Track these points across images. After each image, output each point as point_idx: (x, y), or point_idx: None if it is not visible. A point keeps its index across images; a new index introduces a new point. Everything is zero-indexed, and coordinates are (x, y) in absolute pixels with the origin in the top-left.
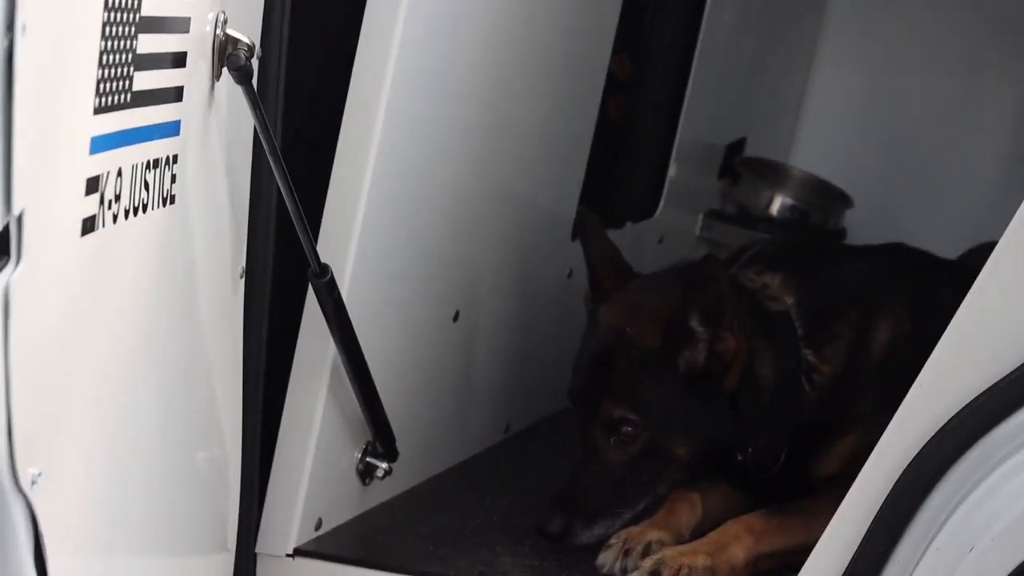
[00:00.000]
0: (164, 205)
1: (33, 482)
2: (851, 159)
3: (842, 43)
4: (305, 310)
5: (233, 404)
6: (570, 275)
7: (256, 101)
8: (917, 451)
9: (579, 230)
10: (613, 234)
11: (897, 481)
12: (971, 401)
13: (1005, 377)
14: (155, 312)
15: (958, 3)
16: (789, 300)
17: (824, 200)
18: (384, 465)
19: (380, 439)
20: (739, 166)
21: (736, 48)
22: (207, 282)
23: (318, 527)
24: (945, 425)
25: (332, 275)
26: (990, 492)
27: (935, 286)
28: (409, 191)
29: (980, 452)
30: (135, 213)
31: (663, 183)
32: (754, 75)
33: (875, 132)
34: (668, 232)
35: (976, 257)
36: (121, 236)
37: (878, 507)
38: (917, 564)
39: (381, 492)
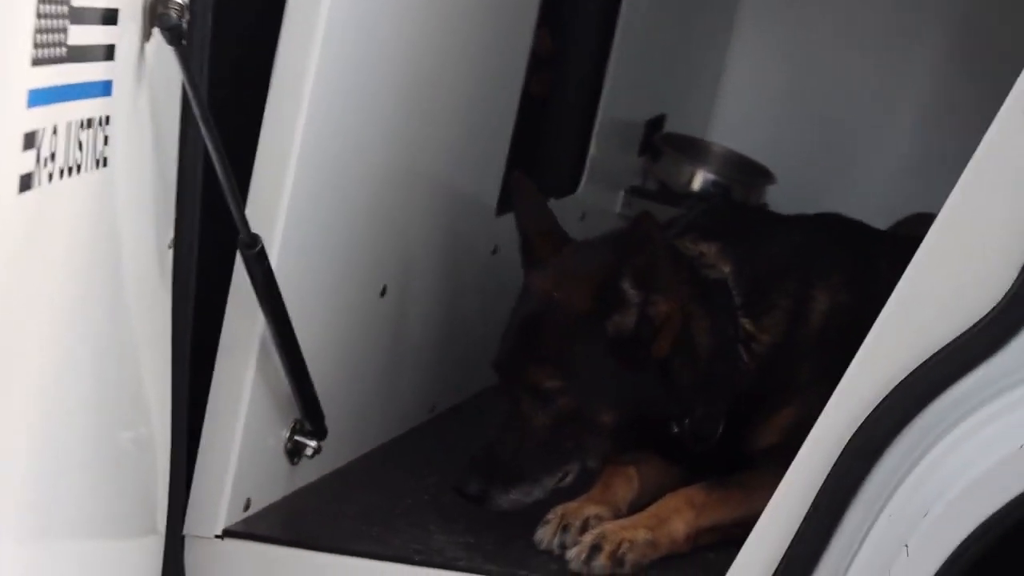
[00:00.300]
0: (97, 167)
1: None
2: (769, 135)
3: (759, 19)
4: (233, 283)
5: (161, 381)
6: (495, 251)
7: (187, 62)
8: (864, 417)
9: (513, 195)
10: None
11: (844, 448)
12: (919, 366)
13: (952, 341)
14: (88, 279)
15: None
16: (726, 269)
17: (746, 176)
18: (313, 444)
19: (309, 417)
20: (660, 142)
21: (656, 23)
22: (136, 252)
23: (247, 507)
24: (893, 390)
25: (263, 245)
26: (943, 456)
27: (871, 256)
28: (336, 164)
29: (930, 417)
30: (69, 173)
31: (584, 160)
32: (673, 51)
33: (793, 108)
34: (590, 210)
35: (907, 227)
36: (56, 196)
37: (825, 475)
38: (868, 531)
39: (309, 472)
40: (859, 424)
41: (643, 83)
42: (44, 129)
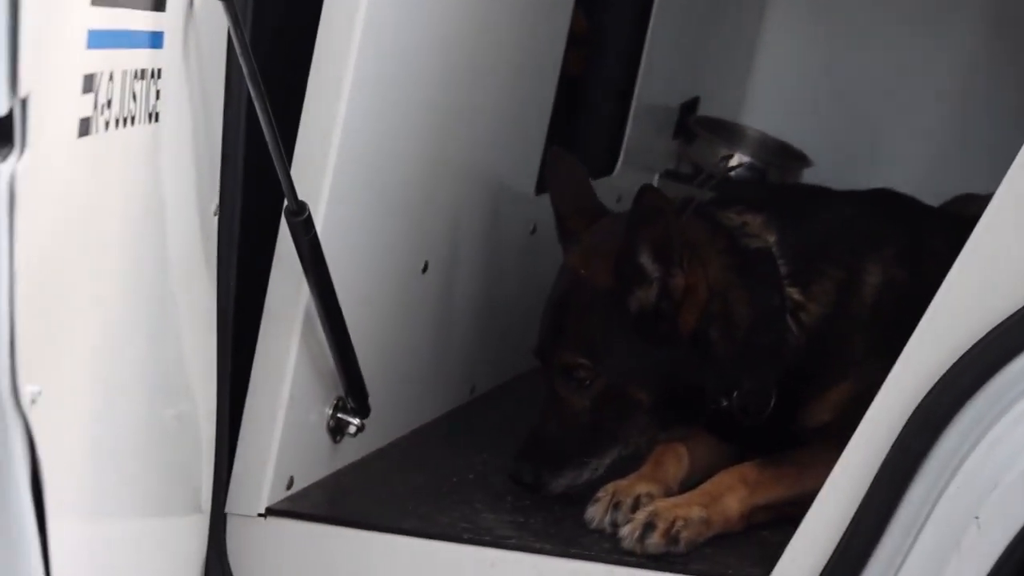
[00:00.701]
0: (150, 121)
1: (33, 401)
2: (802, 118)
3: (791, 7)
4: (276, 252)
5: (205, 354)
6: (534, 231)
7: (237, 19)
8: (928, 389)
9: (548, 170)
10: None
11: (907, 421)
12: (984, 336)
13: (1018, 311)
14: (137, 241)
15: None
16: (771, 238)
17: (782, 159)
18: (356, 422)
19: (353, 394)
20: (694, 125)
21: (691, 4)
22: (182, 216)
23: (289, 486)
24: (958, 361)
25: (309, 213)
26: (1012, 426)
27: (924, 232)
28: (378, 137)
29: (997, 386)
30: (124, 124)
31: (621, 141)
32: (707, 33)
33: (826, 91)
34: (626, 192)
35: (955, 208)
36: (112, 145)
37: (887, 449)
38: (934, 505)
39: (351, 451)
40: (922, 396)
41: (678, 65)
42: (102, 74)
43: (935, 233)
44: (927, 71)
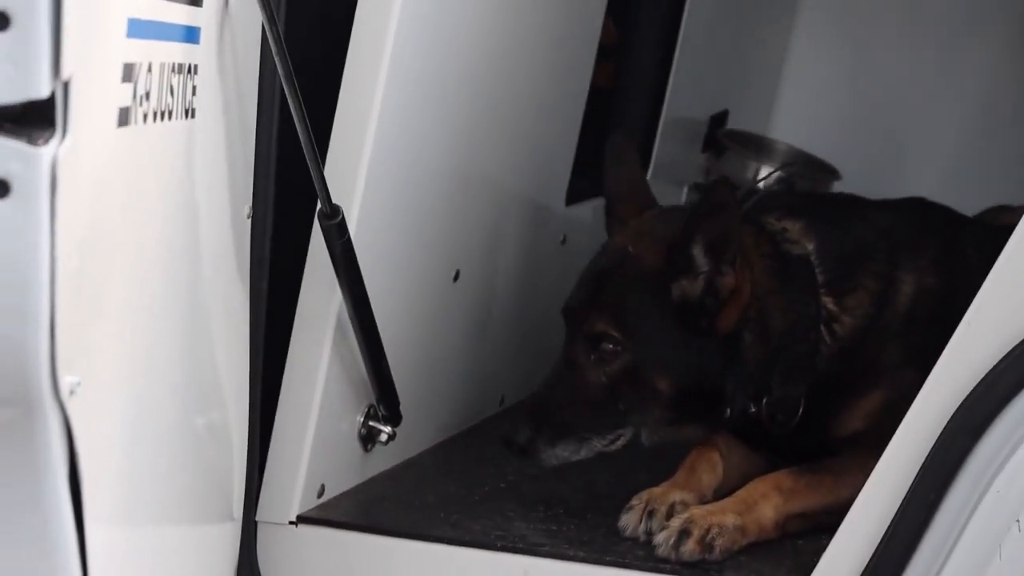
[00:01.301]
0: (186, 117)
1: (72, 392)
2: (830, 131)
3: (820, 15)
4: (309, 256)
5: (238, 361)
6: (564, 241)
7: (272, 16)
8: (967, 392)
9: (606, 158)
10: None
11: (947, 425)
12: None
13: None
14: (172, 241)
15: None
16: (810, 246)
17: (811, 172)
18: (387, 430)
19: (384, 401)
20: (723, 138)
21: (720, 17)
22: (216, 218)
23: (320, 494)
24: (998, 364)
25: (343, 216)
26: None
27: (959, 241)
28: (410, 143)
29: None
30: (162, 118)
31: (650, 154)
32: (736, 46)
33: (854, 104)
34: None
35: (992, 216)
36: (150, 139)
37: (926, 453)
38: (974, 508)
39: (382, 460)
40: (962, 399)
41: (707, 77)
42: (140, 64)
43: (969, 242)
44: (953, 84)
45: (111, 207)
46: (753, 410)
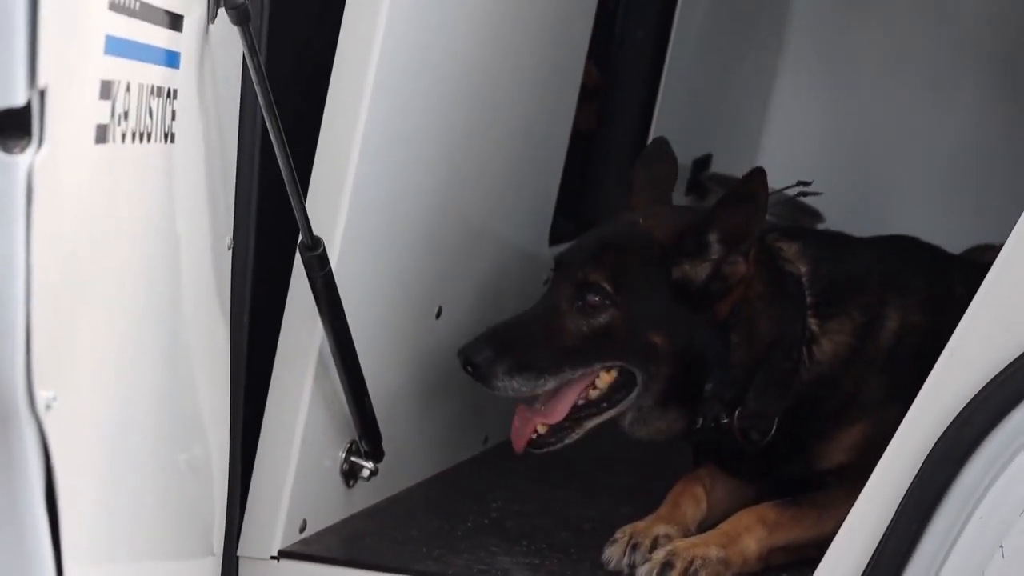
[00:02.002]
0: (165, 141)
1: (47, 407)
2: (812, 174)
3: (804, 60)
4: (290, 289)
5: (218, 394)
6: (547, 281)
7: (253, 46)
8: (950, 421)
9: (646, 151)
10: None
11: (930, 453)
12: (1007, 366)
13: None
14: (153, 263)
15: (915, 21)
16: (803, 268)
17: (793, 214)
18: (369, 465)
19: (366, 436)
20: (707, 181)
21: (703, 60)
22: (197, 248)
23: (302, 529)
24: (980, 391)
25: (324, 248)
26: None
27: (947, 280)
28: (393, 180)
29: (1019, 418)
30: (141, 139)
31: None
32: (720, 89)
33: (836, 148)
34: None
35: (977, 255)
36: (129, 159)
37: (909, 482)
38: (958, 535)
39: (364, 496)
40: (944, 428)
41: (691, 120)
42: (119, 82)
43: (956, 280)
44: (936, 125)
45: (89, 225)
46: (725, 420)
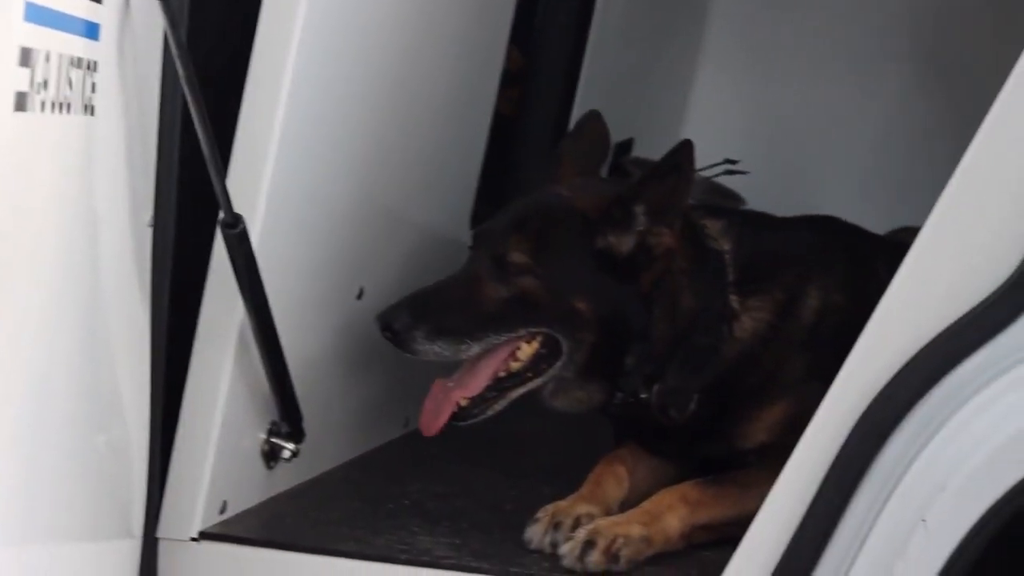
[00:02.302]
0: (85, 113)
1: None
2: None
3: (726, 45)
4: (211, 267)
5: (138, 375)
6: None
7: (174, 19)
8: (873, 397)
9: (580, 122)
10: None
11: (852, 430)
12: (928, 343)
13: (962, 317)
14: (72, 240)
15: (837, 10)
16: (726, 246)
17: (716, 198)
18: (290, 446)
19: (287, 417)
20: (628, 165)
21: (625, 44)
22: (117, 225)
23: (223, 510)
24: (903, 368)
25: (245, 226)
26: (959, 430)
27: (869, 260)
28: (315, 156)
29: (944, 391)
30: (60, 110)
31: None
32: (641, 74)
33: (758, 133)
34: None
35: (900, 237)
36: (48, 129)
37: (831, 458)
38: (880, 510)
39: (285, 478)
40: (868, 404)
41: (612, 105)
42: (38, 51)
43: (879, 260)
44: (856, 117)
45: (5, 197)
46: (644, 395)
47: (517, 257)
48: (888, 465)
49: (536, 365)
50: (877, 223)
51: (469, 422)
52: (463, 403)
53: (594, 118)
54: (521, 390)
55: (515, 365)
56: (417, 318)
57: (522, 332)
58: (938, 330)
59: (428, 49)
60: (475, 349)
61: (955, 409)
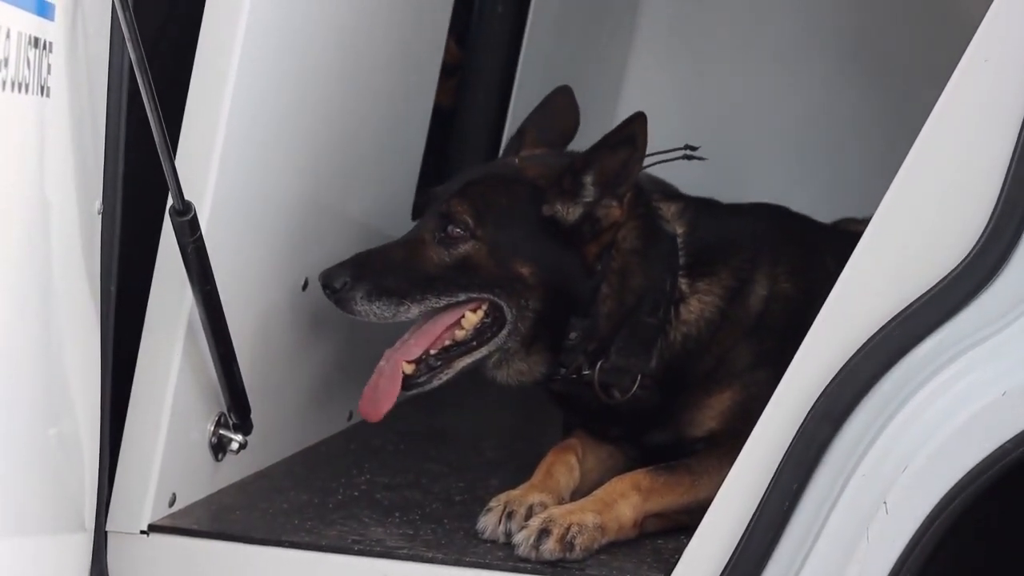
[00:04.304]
0: (41, 95)
1: None
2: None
3: (657, 31)
4: (159, 255)
5: (89, 368)
6: None
7: (124, 1)
8: (828, 381)
9: (549, 96)
10: None
11: (809, 413)
12: (886, 324)
13: (920, 296)
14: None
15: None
16: (680, 229)
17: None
18: (238, 438)
19: (235, 408)
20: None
21: (561, 35)
22: (66, 213)
23: (172, 503)
24: (859, 349)
25: (195, 213)
26: (920, 410)
27: (817, 250)
28: (261, 146)
29: (901, 373)
30: (18, 89)
31: None
32: (577, 64)
33: (691, 122)
34: None
35: (844, 227)
36: (7, 107)
37: (788, 441)
38: (839, 494)
39: (233, 471)
40: (824, 387)
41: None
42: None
43: (826, 250)
44: (790, 97)
45: None
46: (587, 372)
47: (459, 220)
48: (846, 447)
49: (481, 334)
50: (806, 209)
51: (415, 391)
52: (408, 371)
53: (563, 93)
54: (467, 360)
55: (460, 334)
56: (358, 278)
57: (462, 296)
58: (893, 312)
59: (370, 42)
60: (414, 311)
61: (913, 391)
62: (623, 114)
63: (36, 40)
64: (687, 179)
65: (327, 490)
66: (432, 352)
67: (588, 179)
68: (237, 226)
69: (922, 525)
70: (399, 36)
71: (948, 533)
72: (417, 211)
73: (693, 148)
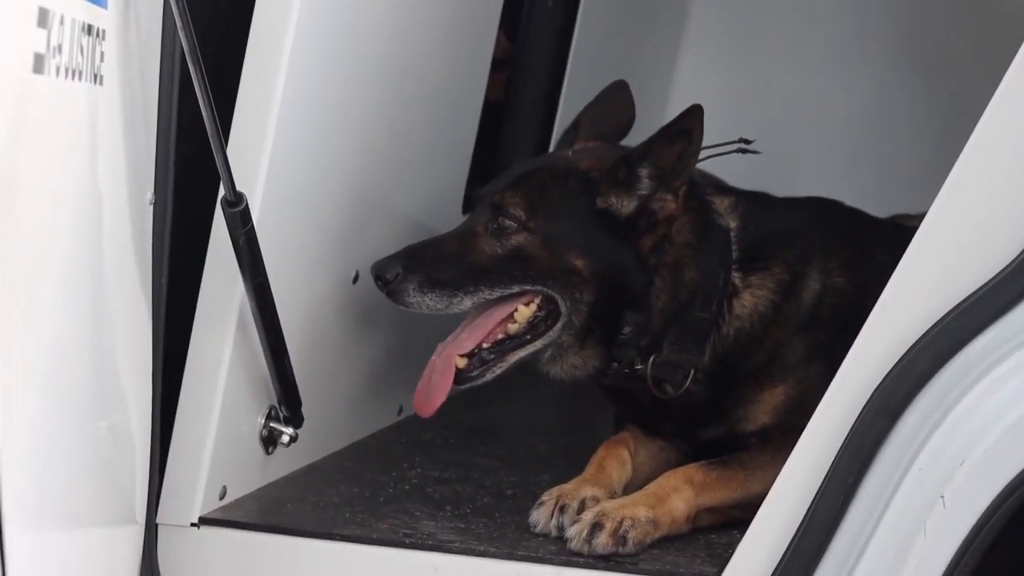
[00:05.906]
0: (94, 82)
1: None
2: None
3: (708, 28)
4: (210, 247)
5: (141, 361)
6: None
7: None
8: (883, 375)
9: (607, 89)
10: None
11: (864, 408)
12: (941, 319)
13: (974, 292)
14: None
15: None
16: (733, 224)
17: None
18: (289, 431)
19: (286, 401)
20: None
21: (611, 29)
22: (118, 203)
23: (222, 496)
24: (915, 345)
25: (247, 204)
26: (976, 404)
27: (871, 244)
28: (312, 139)
29: (958, 367)
30: (73, 76)
31: None
32: (627, 59)
33: (741, 119)
34: None
35: (901, 222)
36: (62, 94)
37: (843, 438)
38: (896, 489)
39: (283, 464)
40: (879, 381)
41: (599, 89)
42: (54, 13)
43: (880, 244)
44: (838, 102)
45: (25, 151)
46: (639, 367)
47: (511, 212)
48: (902, 442)
49: (535, 328)
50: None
51: (468, 385)
52: (460, 365)
53: (619, 87)
54: (520, 353)
55: (513, 327)
56: (410, 269)
57: (515, 288)
58: (949, 307)
59: (421, 35)
60: (467, 303)
61: (970, 385)
62: (672, 109)
63: (89, 27)
64: (737, 176)
65: (377, 483)
66: (485, 346)
67: (643, 172)
68: (288, 218)
69: (980, 519)
70: (449, 29)
71: (1006, 527)
72: (468, 206)
73: (748, 141)
